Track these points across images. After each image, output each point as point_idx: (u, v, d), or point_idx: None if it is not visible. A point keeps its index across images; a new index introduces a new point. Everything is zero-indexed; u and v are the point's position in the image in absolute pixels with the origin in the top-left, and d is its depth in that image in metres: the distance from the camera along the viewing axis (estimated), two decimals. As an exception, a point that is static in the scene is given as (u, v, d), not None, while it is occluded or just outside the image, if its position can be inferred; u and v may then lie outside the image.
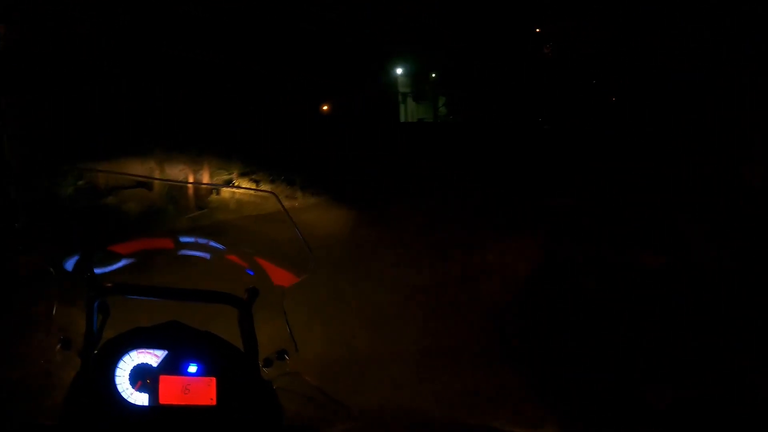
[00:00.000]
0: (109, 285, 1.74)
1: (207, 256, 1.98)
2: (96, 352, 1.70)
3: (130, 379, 1.68)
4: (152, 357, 1.70)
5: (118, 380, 1.68)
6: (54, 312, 1.80)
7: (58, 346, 1.74)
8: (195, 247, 2.01)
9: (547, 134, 22.52)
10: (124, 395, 1.67)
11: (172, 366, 1.69)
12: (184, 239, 2.05)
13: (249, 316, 1.72)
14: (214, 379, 1.67)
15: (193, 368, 1.69)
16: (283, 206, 1.78)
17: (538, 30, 27.25)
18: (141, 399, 1.67)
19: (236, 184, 14.46)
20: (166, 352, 1.70)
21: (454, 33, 26.42)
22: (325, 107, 28.20)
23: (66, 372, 1.75)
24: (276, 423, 1.70)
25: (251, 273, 1.89)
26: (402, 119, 35.03)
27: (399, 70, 32.34)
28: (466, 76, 30.49)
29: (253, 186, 13.45)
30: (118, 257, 1.97)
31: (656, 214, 9.45)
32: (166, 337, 1.73)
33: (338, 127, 19.02)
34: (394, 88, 32.56)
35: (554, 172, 13.13)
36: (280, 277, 1.85)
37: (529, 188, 11.66)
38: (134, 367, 1.69)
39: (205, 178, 13.32)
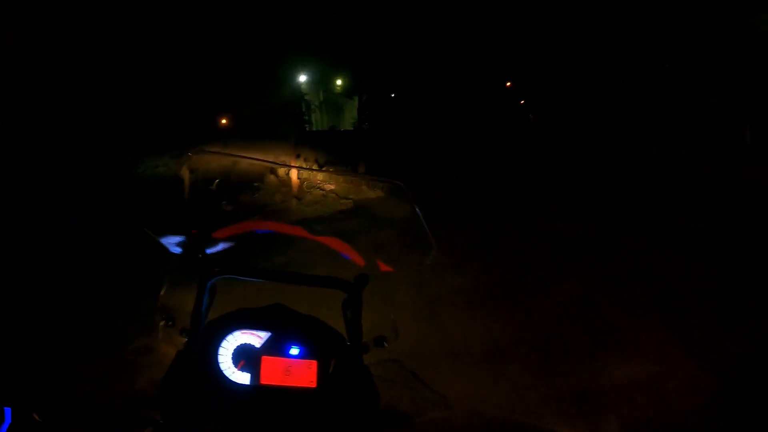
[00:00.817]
0: (222, 267, 1.78)
1: (310, 241, 2.01)
2: (201, 330, 1.74)
3: (232, 358, 1.74)
4: (255, 338, 1.76)
5: (221, 359, 1.73)
6: (162, 292, 1.84)
7: (162, 323, 1.80)
8: (299, 232, 2.03)
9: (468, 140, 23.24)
10: (227, 373, 1.72)
11: (274, 347, 1.75)
12: (289, 224, 2.07)
13: (357, 302, 1.78)
14: (315, 362, 1.73)
15: (295, 350, 1.74)
16: (410, 197, 1.84)
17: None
18: (242, 378, 1.72)
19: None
20: (269, 334, 1.76)
21: (371, 38, 26.51)
22: (223, 120, 27.54)
23: (168, 349, 1.81)
24: (373, 409, 1.75)
25: (347, 257, 1.93)
26: (316, 127, 34.99)
27: (302, 78, 31.91)
28: (384, 83, 30.78)
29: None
30: (225, 240, 2.01)
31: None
32: (270, 319, 1.79)
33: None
34: (299, 96, 32.31)
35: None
36: (386, 264, 1.91)
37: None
38: (237, 346, 1.74)
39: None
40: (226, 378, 1.72)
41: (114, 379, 2.77)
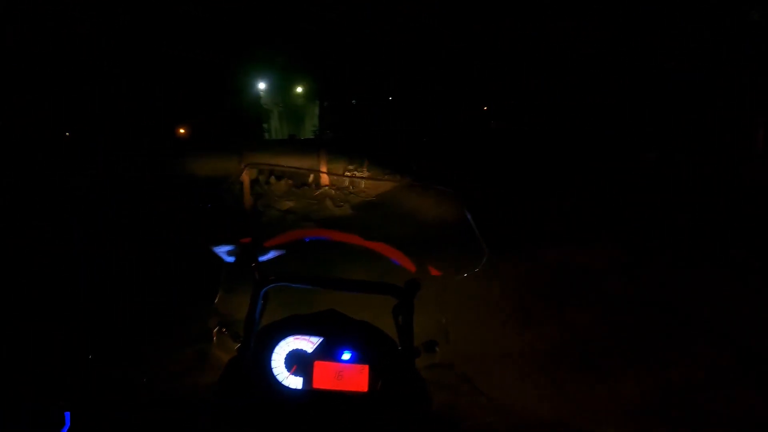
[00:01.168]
0: (277, 275, 1.82)
1: (360, 248, 2.03)
2: (255, 336, 1.77)
3: (285, 363, 1.77)
4: (308, 343, 1.79)
5: (274, 364, 1.76)
6: (216, 299, 1.91)
7: (216, 329, 1.83)
8: (350, 239, 2.05)
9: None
10: (279, 378, 1.75)
11: (326, 352, 1.78)
12: (338, 232, 2.09)
13: (408, 307, 1.81)
14: (366, 367, 1.76)
15: (347, 355, 1.77)
16: (463, 205, 1.88)
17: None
18: (295, 383, 1.76)
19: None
20: (321, 339, 1.79)
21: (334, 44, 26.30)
22: (181, 130, 27.16)
23: (222, 354, 1.84)
24: (424, 413, 1.79)
25: (397, 263, 1.96)
26: (273, 136, 34.60)
27: (262, 85, 31.54)
28: (347, 89, 30.54)
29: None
30: (277, 247, 2.03)
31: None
32: (322, 324, 1.82)
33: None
34: (258, 103, 31.98)
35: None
36: (437, 270, 1.94)
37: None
38: (290, 352, 1.78)
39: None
40: (279, 383, 1.75)
41: (168, 384, 2.79)
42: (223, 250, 1.96)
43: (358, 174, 17.58)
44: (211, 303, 1.93)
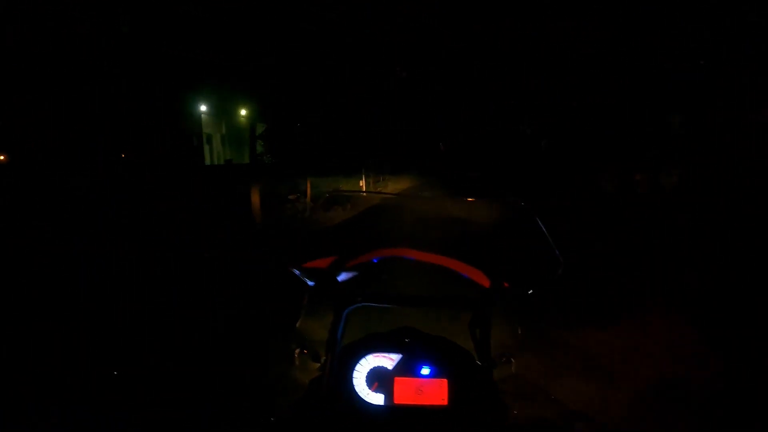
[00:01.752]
0: (359, 295, 1.86)
1: (434, 264, 2.05)
2: (336, 356, 1.80)
3: (366, 380, 1.81)
4: (387, 360, 1.83)
5: (355, 382, 1.80)
6: (299, 322, 1.94)
7: (297, 351, 1.86)
8: (425, 257, 2.07)
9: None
10: (362, 395, 1.79)
11: (406, 368, 1.81)
12: (413, 250, 2.10)
13: (485, 320, 1.84)
14: (446, 381, 1.80)
15: (425, 370, 1.81)
16: (533, 214, 1.91)
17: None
18: (377, 399, 1.79)
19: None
20: (400, 356, 1.83)
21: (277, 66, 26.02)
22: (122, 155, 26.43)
23: (302, 375, 1.87)
24: (503, 424, 1.82)
25: (470, 278, 1.98)
26: (216, 160, 33.93)
27: (203, 108, 30.96)
28: (291, 114, 30.19)
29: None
30: (355, 268, 2.05)
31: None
32: (400, 341, 1.85)
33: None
34: (197, 127, 31.37)
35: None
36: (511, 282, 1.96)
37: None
38: (371, 369, 1.82)
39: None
40: (362, 399, 1.79)
41: (254, 406, 2.79)
42: (304, 274, 1.98)
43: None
44: (293, 326, 1.96)
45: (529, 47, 25.19)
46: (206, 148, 33.01)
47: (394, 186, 27.56)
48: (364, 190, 19.79)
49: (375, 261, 2.09)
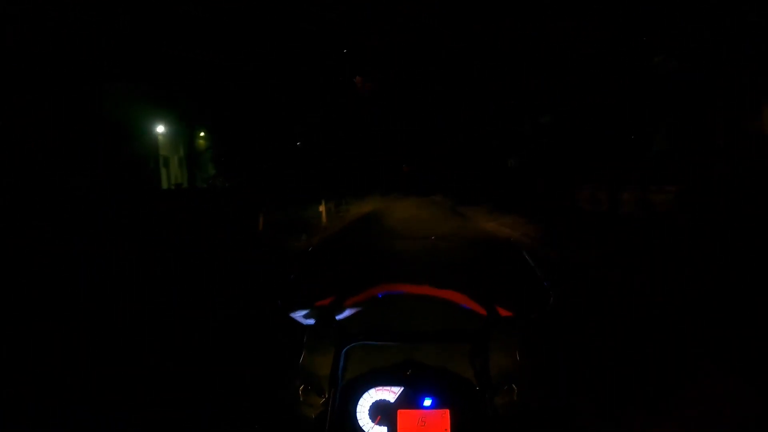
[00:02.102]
0: (357, 333, 1.92)
1: (429, 297, 2.11)
2: (339, 391, 1.85)
3: (369, 414, 1.85)
4: (390, 393, 1.87)
5: (359, 416, 1.84)
6: (301, 359, 2.00)
7: (302, 387, 1.89)
8: (423, 291, 2.13)
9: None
10: (365, 429, 1.83)
11: (408, 400, 1.86)
12: (410, 285, 2.16)
13: (484, 350, 1.91)
14: (447, 411, 1.84)
15: (428, 402, 1.85)
16: (523, 250, 1.99)
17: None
18: None
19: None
20: (402, 388, 1.87)
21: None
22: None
23: (309, 411, 1.89)
24: None
25: (467, 308, 2.05)
26: (172, 182, 33.15)
27: (160, 129, 30.32)
28: (244, 135, 29.48)
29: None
30: (354, 305, 2.12)
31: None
32: (401, 374, 1.90)
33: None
34: (153, 150, 30.62)
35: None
36: (506, 311, 2.04)
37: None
38: (373, 403, 1.86)
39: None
40: None
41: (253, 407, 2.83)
42: (302, 315, 2.04)
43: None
44: (296, 364, 2.00)
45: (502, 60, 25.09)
46: (163, 171, 32.32)
47: (358, 209, 27.57)
48: (323, 215, 19.55)
49: (373, 298, 2.15)
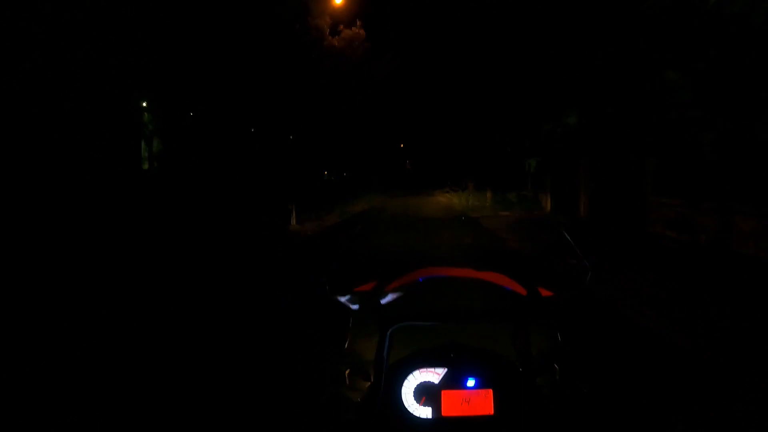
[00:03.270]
0: (401, 315, 1.94)
1: (469, 279, 2.13)
2: (384, 374, 1.88)
3: (414, 395, 1.88)
4: (434, 374, 1.90)
5: (404, 397, 1.88)
6: (347, 344, 2.02)
7: (348, 371, 1.95)
8: (464, 273, 2.16)
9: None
10: (410, 410, 1.87)
11: (452, 381, 1.89)
12: (451, 268, 2.19)
13: (524, 331, 1.94)
14: (491, 391, 1.88)
15: (471, 382, 1.89)
16: (561, 227, 2.01)
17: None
18: (425, 413, 1.87)
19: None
20: (446, 369, 1.90)
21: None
22: None
23: (355, 395, 1.94)
24: (548, 429, 1.91)
25: (508, 290, 2.08)
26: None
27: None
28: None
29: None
30: (397, 290, 2.17)
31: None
32: (445, 355, 1.93)
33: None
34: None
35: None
36: (546, 291, 2.06)
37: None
38: (418, 384, 1.89)
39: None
40: (411, 414, 1.86)
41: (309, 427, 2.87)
42: (348, 299, 2.10)
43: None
44: (342, 348, 2.03)
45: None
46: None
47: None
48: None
49: (415, 282, 2.18)
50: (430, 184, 46.34)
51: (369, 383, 1.90)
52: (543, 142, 21.53)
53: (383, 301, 2.07)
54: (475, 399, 1.86)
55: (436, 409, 1.86)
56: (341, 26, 31.38)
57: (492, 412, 1.86)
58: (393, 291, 2.15)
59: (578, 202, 20.44)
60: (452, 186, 37.57)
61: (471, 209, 27.49)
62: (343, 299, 2.10)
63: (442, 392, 1.87)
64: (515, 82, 23.93)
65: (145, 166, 25.61)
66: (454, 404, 1.86)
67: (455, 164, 40.65)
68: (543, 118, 20.79)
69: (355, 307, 2.07)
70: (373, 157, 39.89)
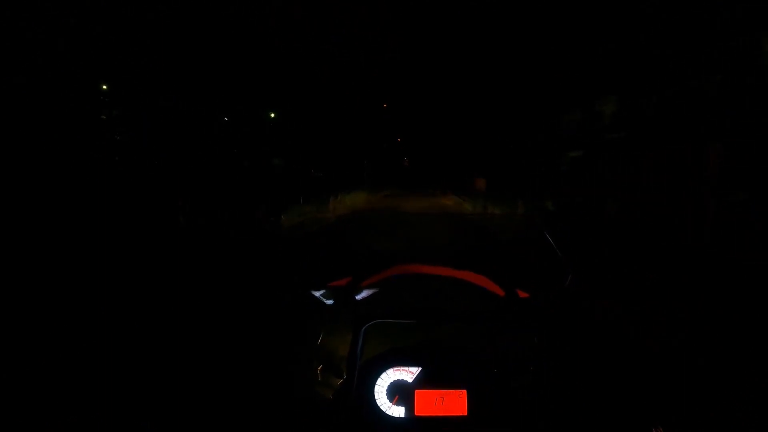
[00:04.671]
0: (375, 312, 1.91)
1: (446, 278, 2.10)
2: (357, 371, 1.84)
3: (387, 394, 1.85)
4: (408, 373, 1.87)
5: (377, 395, 1.84)
6: (319, 340, 1.98)
7: (320, 368, 1.91)
8: (441, 271, 2.12)
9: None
10: (383, 408, 1.83)
11: (426, 380, 1.86)
12: (427, 266, 2.15)
13: (501, 332, 1.93)
14: (465, 391, 1.85)
15: (445, 382, 1.86)
16: (542, 226, 1.98)
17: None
18: (398, 411, 1.83)
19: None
20: (420, 369, 1.87)
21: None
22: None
23: (326, 390, 1.90)
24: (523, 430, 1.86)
25: (486, 290, 2.05)
26: None
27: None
28: None
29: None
30: (372, 286, 2.13)
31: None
32: (420, 354, 1.90)
33: None
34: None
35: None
36: (524, 293, 2.03)
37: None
38: (391, 383, 1.86)
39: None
40: (383, 413, 1.82)
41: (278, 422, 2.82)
42: (322, 294, 2.06)
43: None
44: (314, 344, 1.99)
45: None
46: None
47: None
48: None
49: (391, 278, 2.14)
50: (430, 183, 42.37)
51: (341, 380, 1.86)
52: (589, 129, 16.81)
53: (358, 297, 2.04)
54: (449, 399, 1.83)
55: (410, 409, 1.82)
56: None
57: (466, 412, 1.83)
58: (369, 287, 2.11)
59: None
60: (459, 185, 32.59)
61: (493, 222, 15.72)
62: (317, 294, 2.06)
63: (416, 391, 1.83)
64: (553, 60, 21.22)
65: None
66: (428, 404, 1.82)
67: (461, 160, 38.07)
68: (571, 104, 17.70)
69: (329, 302, 2.03)
70: (365, 153, 38.90)
